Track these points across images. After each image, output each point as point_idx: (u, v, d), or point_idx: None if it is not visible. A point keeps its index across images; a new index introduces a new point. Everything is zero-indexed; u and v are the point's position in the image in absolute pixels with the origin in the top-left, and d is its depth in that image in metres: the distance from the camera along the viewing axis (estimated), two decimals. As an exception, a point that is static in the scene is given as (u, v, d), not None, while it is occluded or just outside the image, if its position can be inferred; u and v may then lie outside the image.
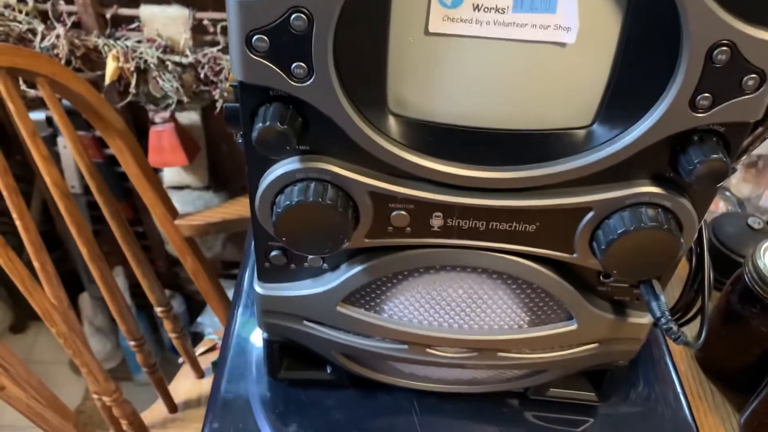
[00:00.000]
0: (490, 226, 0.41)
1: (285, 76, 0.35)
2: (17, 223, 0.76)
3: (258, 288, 0.46)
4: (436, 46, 0.35)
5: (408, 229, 0.41)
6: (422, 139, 0.38)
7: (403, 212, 0.40)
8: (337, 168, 0.38)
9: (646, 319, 0.46)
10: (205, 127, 1.23)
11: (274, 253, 0.44)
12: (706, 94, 0.34)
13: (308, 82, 0.35)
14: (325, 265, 0.45)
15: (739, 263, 0.67)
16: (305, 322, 0.48)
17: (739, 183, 0.91)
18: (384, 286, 0.45)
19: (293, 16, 0.32)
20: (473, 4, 0.34)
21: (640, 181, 0.38)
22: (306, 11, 0.32)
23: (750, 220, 0.76)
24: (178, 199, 1.26)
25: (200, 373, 1.09)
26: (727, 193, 0.89)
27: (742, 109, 0.35)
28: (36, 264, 0.80)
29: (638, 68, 0.35)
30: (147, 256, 1.40)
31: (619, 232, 0.38)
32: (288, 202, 0.38)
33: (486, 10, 0.34)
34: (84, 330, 1.56)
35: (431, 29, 0.34)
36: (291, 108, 0.36)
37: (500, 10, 0.34)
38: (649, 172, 0.38)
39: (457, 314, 0.45)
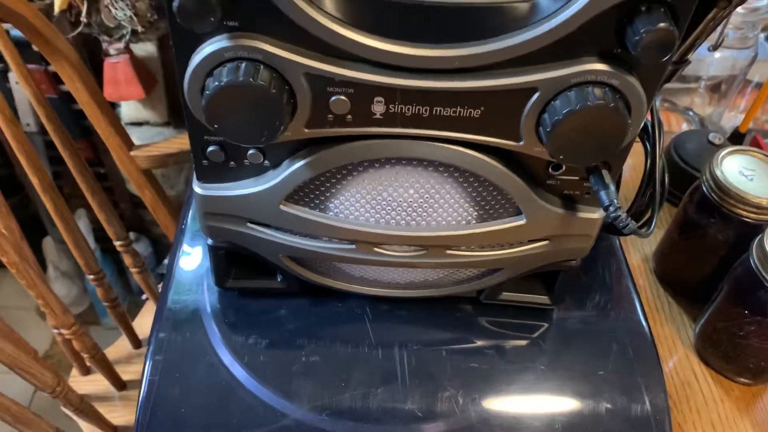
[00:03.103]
0: (433, 112, 0.39)
1: (206, -62, 0.32)
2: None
3: (197, 188, 0.44)
4: None
5: (349, 116, 0.39)
6: (360, 15, 0.36)
7: (343, 97, 0.38)
8: (269, 46, 0.36)
9: (597, 214, 0.46)
10: (162, 59, 1.19)
11: (211, 148, 0.42)
12: (652, -44, 0.32)
13: (231, -55, 0.32)
14: (266, 161, 0.43)
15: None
16: (249, 225, 0.46)
17: (703, 105, 0.91)
18: (328, 182, 0.43)
19: None
20: None
21: (586, 58, 0.37)
22: None
23: (711, 136, 0.75)
24: (137, 136, 1.23)
25: (164, 309, 1.07)
26: (690, 113, 0.89)
27: (690, -28, 0.33)
28: (-17, 194, 0.77)
29: (583, -69, 0.33)
30: (110, 198, 1.37)
31: (564, 112, 0.37)
32: (217, 83, 0.36)
33: None
34: (49, 275, 1.53)
35: None
36: (216, -24, 0.34)
37: None
38: (596, 48, 0.37)
39: (404, 210, 0.44)
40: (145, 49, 1.15)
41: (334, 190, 0.44)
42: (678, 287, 0.70)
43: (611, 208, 0.41)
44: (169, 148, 0.97)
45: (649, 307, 0.68)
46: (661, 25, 0.34)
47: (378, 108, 0.39)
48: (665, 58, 0.35)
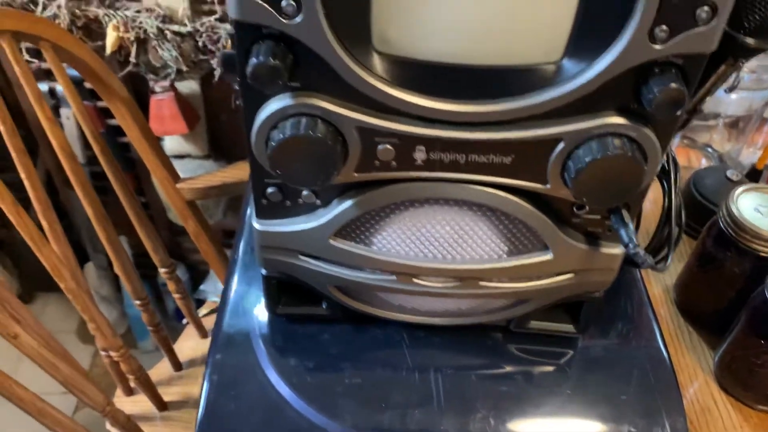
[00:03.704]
0: (469, 159, 0.44)
1: (275, 13, 0.38)
2: (26, 183, 0.79)
3: (256, 224, 0.50)
4: (416, -14, 0.38)
5: (393, 162, 0.44)
6: (404, 75, 0.41)
7: (389, 146, 0.43)
8: (326, 103, 0.41)
9: (618, 250, 0.50)
10: (204, 96, 1.26)
11: (270, 189, 0.47)
12: (663, 27, 0.37)
13: (297, 19, 0.38)
14: (318, 201, 0.48)
15: (718, 212, 0.70)
16: (300, 257, 0.51)
17: (722, 141, 0.94)
18: (373, 220, 0.48)
19: (282, -45, 0.35)
20: (448, -55, 0.36)
21: (606, 112, 0.41)
22: (294, -49, 0.35)
23: (728, 173, 0.79)
24: (179, 168, 1.29)
25: (204, 333, 1.13)
26: (709, 150, 0.92)
27: (697, 40, 0.38)
28: (44, 223, 0.83)
29: (602, 4, 0.38)
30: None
31: (587, 160, 0.41)
32: (281, 136, 0.41)
33: (460, -50, 0.37)
34: (90, 299, 1.59)
35: (410, -30, 0.37)
36: (282, 45, 0.39)
37: (473, -50, 0.37)
38: (614, 104, 0.41)
39: (441, 245, 0.49)
40: (189, 86, 1.22)
41: (378, 227, 0.49)
42: (697, 317, 0.73)
43: (630, 246, 0.45)
44: (212, 181, 1.03)
45: (670, 336, 0.72)
46: (672, 85, 0.38)
47: (420, 155, 0.44)
48: (676, 114, 0.40)
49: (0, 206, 0.75)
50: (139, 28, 1.12)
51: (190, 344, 1.12)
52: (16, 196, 0.76)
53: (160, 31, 1.12)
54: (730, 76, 0.48)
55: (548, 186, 0.45)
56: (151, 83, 1.20)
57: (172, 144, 1.28)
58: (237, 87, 0.43)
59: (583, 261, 0.50)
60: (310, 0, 0.37)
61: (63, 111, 1.30)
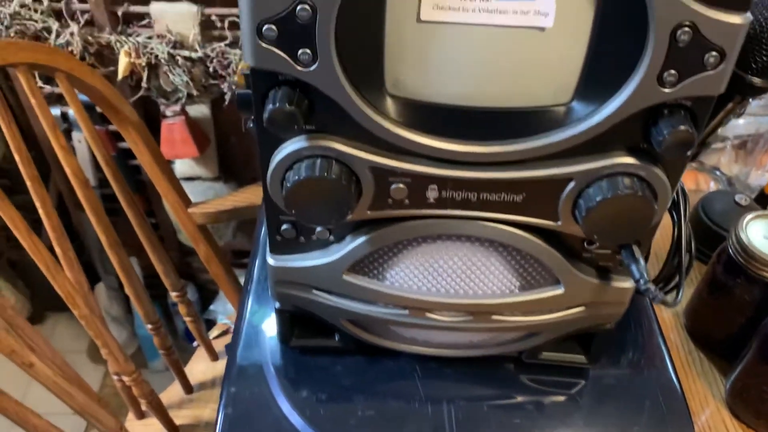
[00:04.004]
0: (481, 197, 0.44)
1: (292, 62, 0.38)
2: (40, 210, 0.80)
3: (270, 260, 0.50)
4: (428, 32, 0.39)
5: (406, 201, 0.45)
6: (417, 118, 0.42)
7: (401, 185, 0.44)
8: (340, 145, 0.42)
9: (629, 284, 0.50)
10: (214, 120, 1.27)
11: (284, 227, 0.48)
12: (672, 71, 0.38)
13: (313, 67, 0.39)
14: (331, 237, 0.49)
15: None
16: (314, 291, 0.52)
17: (729, 163, 0.95)
18: (386, 255, 0.49)
19: (299, 7, 0.36)
20: (460, -7, 0.37)
21: (616, 152, 0.42)
22: (310, 3, 0.36)
23: (737, 197, 0.79)
24: (189, 190, 1.30)
25: (214, 356, 1.13)
26: (717, 173, 0.93)
27: (706, 84, 0.38)
28: (58, 250, 0.84)
29: (611, 49, 0.39)
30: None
31: (597, 199, 0.42)
32: (296, 177, 0.42)
33: (472, -2, 0.37)
34: (100, 319, 1.61)
35: (423, 17, 0.38)
36: (298, 91, 0.40)
37: (485, -1, 0.37)
38: (624, 144, 0.42)
39: (453, 280, 0.49)
40: (200, 110, 1.24)
41: (390, 262, 0.49)
42: (708, 343, 0.73)
43: (641, 282, 0.45)
44: (222, 205, 1.04)
45: (681, 363, 0.72)
46: (682, 127, 0.39)
47: (432, 194, 0.45)
48: (686, 154, 0.40)
49: (15, 233, 0.76)
50: (151, 53, 1.13)
51: (201, 367, 1.13)
52: (29, 217, 0.77)
53: (171, 56, 1.13)
54: (737, 112, 0.48)
55: (559, 223, 0.45)
56: (162, 107, 1.21)
57: (182, 166, 1.30)
58: (251, 124, 0.44)
59: (595, 295, 0.50)
60: (326, 49, 0.38)
61: (75, 134, 1.31)
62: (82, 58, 1.14)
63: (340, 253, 0.48)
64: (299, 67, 0.39)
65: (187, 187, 1.31)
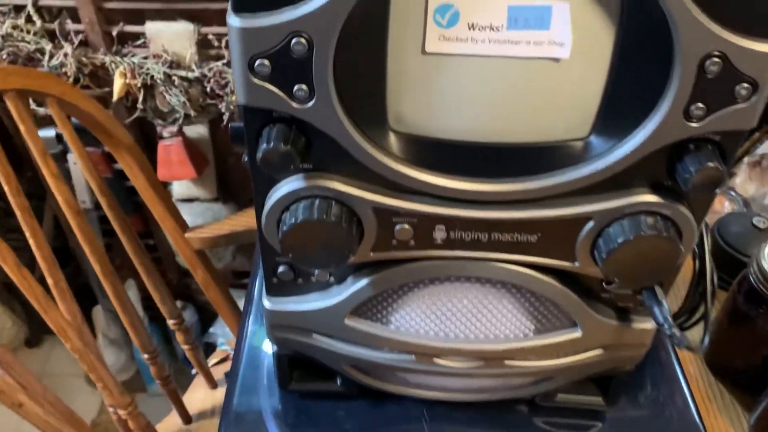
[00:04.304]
0: (492, 238, 0.41)
1: (287, 99, 0.36)
2: (30, 241, 0.77)
3: (266, 303, 0.47)
4: (434, 64, 0.36)
5: (412, 242, 0.42)
6: (423, 155, 0.39)
7: (407, 226, 0.41)
8: (340, 185, 0.39)
9: (650, 325, 0.47)
10: (212, 140, 1.25)
11: (281, 268, 0.45)
12: (700, 104, 0.35)
13: (310, 104, 0.36)
14: (331, 278, 0.46)
15: (745, 263, 0.67)
16: (314, 335, 0.49)
17: (744, 182, 0.92)
18: (390, 298, 0.46)
19: (293, 41, 0.33)
20: (468, 24, 0.34)
21: (638, 189, 0.39)
22: (306, 36, 0.33)
23: (755, 220, 0.76)
24: (187, 212, 1.28)
25: (213, 384, 1.10)
26: (732, 193, 0.90)
27: (736, 117, 0.35)
28: (50, 281, 0.81)
29: (632, 80, 0.36)
30: (158, 268, 1.41)
31: (619, 240, 0.39)
32: (293, 220, 0.39)
33: (481, 28, 0.34)
34: (98, 343, 1.58)
35: (428, 49, 0.35)
36: (294, 128, 0.37)
37: (495, 29, 0.34)
38: (646, 180, 0.39)
39: (463, 324, 0.46)
40: (197, 131, 1.21)
41: (395, 305, 0.46)
42: (730, 376, 0.70)
43: (665, 326, 0.42)
44: (220, 229, 1.01)
45: (701, 396, 0.68)
46: (710, 164, 0.36)
47: (439, 234, 0.41)
48: (714, 192, 0.37)
49: (3, 267, 0.73)
50: (146, 74, 1.11)
51: (199, 395, 1.09)
52: (23, 238, 0.75)
53: (168, 76, 1.11)
54: (765, 140, 0.45)
55: (576, 264, 0.42)
56: (158, 129, 1.19)
57: (180, 188, 1.27)
58: (246, 159, 0.41)
59: (614, 337, 0.47)
60: (324, 84, 0.35)
61: (70, 156, 1.29)
62: (77, 80, 1.12)
63: (341, 296, 0.45)
64: (295, 104, 0.36)
65: (184, 208, 1.28)
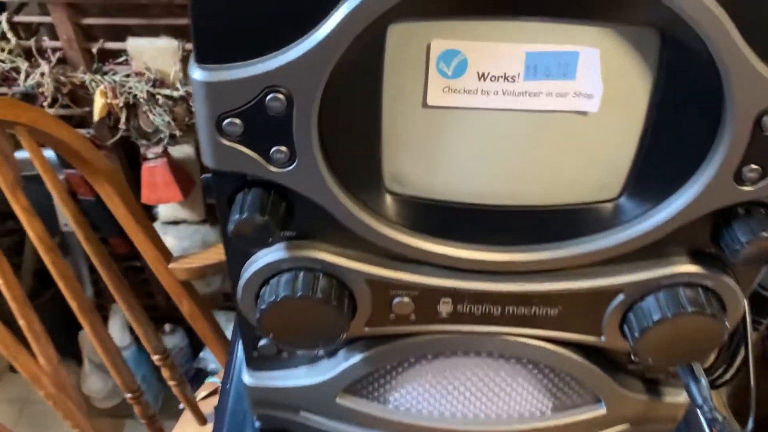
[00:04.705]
0: (506, 311, 0.36)
1: (263, 162, 0.30)
2: (0, 281, 0.72)
3: (247, 378, 0.41)
4: (437, 119, 0.31)
5: (413, 316, 0.36)
6: (425, 220, 0.33)
7: (406, 299, 0.35)
8: (328, 255, 0.33)
9: (683, 398, 0.41)
10: (199, 160, 1.19)
11: (263, 342, 0.40)
12: (754, 166, 0.29)
13: (290, 167, 0.30)
14: (321, 351, 0.40)
15: (774, 305, 0.62)
16: (302, 413, 0.43)
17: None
18: (389, 375, 0.40)
19: (269, 96, 0.28)
20: (478, 73, 0.29)
21: (676, 258, 0.34)
22: (283, 91, 0.28)
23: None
24: (174, 234, 1.22)
25: (202, 420, 1.04)
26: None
27: (797, 181, 0.30)
28: (22, 323, 0.75)
29: (672, 136, 0.30)
30: (145, 291, 1.35)
31: (654, 318, 0.33)
32: (273, 297, 0.33)
33: (493, 79, 0.29)
34: (84, 368, 1.51)
35: (430, 102, 0.30)
36: (273, 193, 0.31)
37: (510, 79, 0.29)
38: (686, 248, 0.33)
39: (472, 403, 0.40)
40: (183, 151, 1.15)
41: (394, 382, 0.40)
42: (759, 427, 0.64)
43: (705, 408, 0.37)
44: (207, 259, 0.95)
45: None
46: (765, 234, 0.30)
47: (445, 308, 0.36)
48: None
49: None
50: (129, 93, 1.05)
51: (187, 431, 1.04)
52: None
53: (151, 95, 1.05)
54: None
55: (603, 339, 0.37)
56: (142, 149, 1.12)
57: (166, 210, 1.21)
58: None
59: (641, 411, 0.42)
60: (306, 145, 0.29)
61: (51, 177, 1.22)
62: (55, 100, 1.06)
63: (332, 372, 0.40)
64: (273, 168, 0.30)
65: (171, 231, 1.22)
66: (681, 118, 0.30)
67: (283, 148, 0.29)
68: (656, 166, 0.31)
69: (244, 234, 0.30)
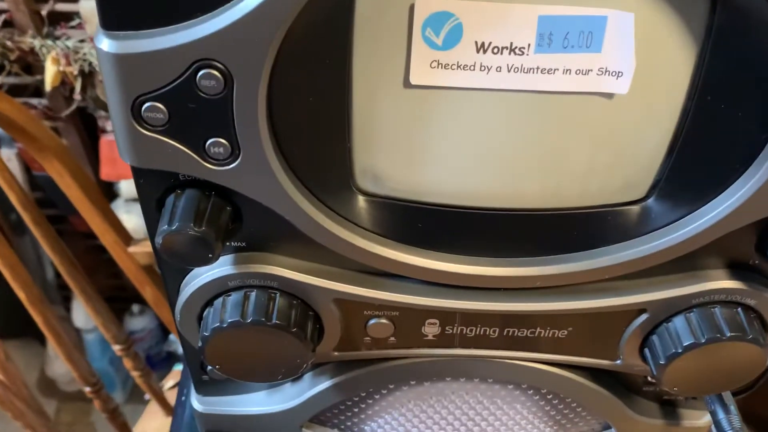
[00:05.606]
0: (504, 333, 0.30)
1: (197, 158, 0.23)
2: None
3: (196, 404, 0.35)
4: (422, 102, 0.24)
5: (392, 339, 0.30)
6: (405, 227, 0.27)
7: (385, 320, 0.29)
8: (286, 271, 0.27)
9: (704, 421, 0.36)
10: (163, 134, 1.11)
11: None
12: (821, 164, 0.23)
13: (233, 164, 0.23)
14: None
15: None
16: (263, 442, 0.37)
17: None
18: (363, 402, 0.34)
19: (200, 73, 0.21)
20: (476, 43, 0.22)
21: (711, 272, 0.28)
22: (219, 66, 0.21)
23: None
24: (138, 212, 1.14)
25: (169, 410, 0.98)
26: None
27: None
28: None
29: (717, 125, 0.24)
30: (111, 270, 1.28)
31: (685, 344, 0.27)
32: (218, 324, 0.27)
33: (496, 50, 0.22)
34: (49, 350, 1.44)
35: (413, 80, 0.23)
36: (213, 196, 0.25)
37: (517, 51, 0.22)
38: (725, 259, 0.27)
39: (461, 433, 0.35)
40: (145, 123, 1.07)
41: (370, 411, 0.34)
42: (760, 427, 0.60)
43: (736, 441, 0.31)
44: (171, 242, 0.88)
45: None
46: (828, 246, 0.24)
47: (431, 330, 0.30)
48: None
49: None
50: (84, 60, 0.96)
51: (154, 425, 0.98)
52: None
53: (108, 63, 0.96)
54: None
55: (619, 362, 0.31)
56: (100, 121, 1.04)
57: (129, 186, 1.13)
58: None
59: (656, 437, 0.36)
60: (252, 136, 0.22)
61: (5, 152, 1.14)
62: (2, 67, 0.97)
63: (297, 399, 0.33)
64: (210, 165, 0.23)
65: (135, 208, 1.15)
66: (729, 103, 0.23)
67: (223, 140, 0.23)
68: (695, 162, 0.25)
69: (174, 250, 0.24)
